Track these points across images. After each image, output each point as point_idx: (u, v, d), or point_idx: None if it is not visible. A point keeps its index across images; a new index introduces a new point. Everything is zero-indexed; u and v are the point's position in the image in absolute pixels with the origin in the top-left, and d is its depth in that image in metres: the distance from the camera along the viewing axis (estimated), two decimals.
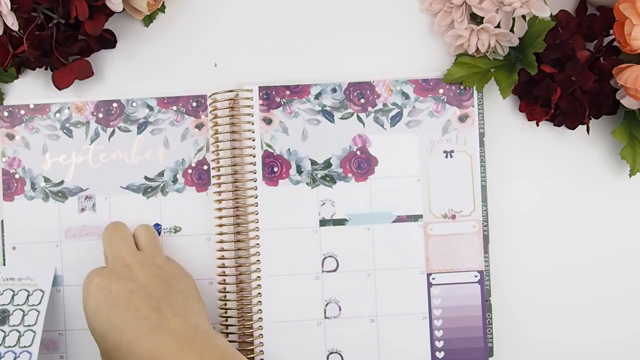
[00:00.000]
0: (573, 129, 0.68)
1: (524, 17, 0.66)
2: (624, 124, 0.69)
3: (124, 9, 0.65)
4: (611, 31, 0.66)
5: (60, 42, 0.67)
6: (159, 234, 0.70)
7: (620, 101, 0.67)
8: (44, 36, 0.66)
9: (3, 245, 0.70)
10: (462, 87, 0.69)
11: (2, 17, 0.63)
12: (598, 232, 0.71)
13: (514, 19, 0.66)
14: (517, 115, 0.71)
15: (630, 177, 0.70)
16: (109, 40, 0.70)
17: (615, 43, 0.67)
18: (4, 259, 0.70)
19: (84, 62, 0.68)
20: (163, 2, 0.69)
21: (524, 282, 0.71)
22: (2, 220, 0.70)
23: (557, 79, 0.66)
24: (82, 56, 0.69)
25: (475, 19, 0.68)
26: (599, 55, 0.68)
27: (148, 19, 0.70)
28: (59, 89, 0.68)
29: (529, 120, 0.70)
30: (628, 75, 0.64)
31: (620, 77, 0.65)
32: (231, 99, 0.69)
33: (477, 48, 0.67)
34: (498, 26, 0.66)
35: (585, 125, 0.68)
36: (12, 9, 0.62)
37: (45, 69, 0.69)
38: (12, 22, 0.62)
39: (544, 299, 0.71)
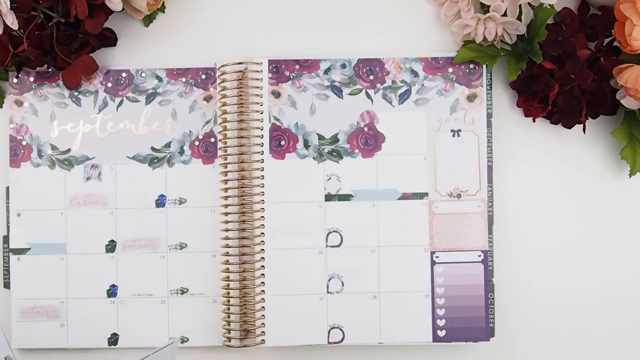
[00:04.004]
0: (569, 127, 0.69)
1: (530, 4, 0.66)
2: (624, 124, 0.69)
3: (123, 9, 0.66)
4: (612, 31, 0.66)
5: (60, 41, 0.67)
6: (164, 205, 0.70)
7: (621, 101, 0.67)
8: (44, 35, 0.66)
9: (8, 211, 0.70)
10: (471, 67, 0.69)
11: (1, 16, 0.63)
12: (598, 227, 0.72)
13: (520, 6, 0.66)
14: (517, 111, 0.71)
15: (630, 177, 0.70)
16: (109, 38, 0.70)
17: (615, 43, 0.67)
18: (8, 226, 0.70)
19: (88, 58, 0.68)
20: (163, 2, 0.69)
21: (527, 264, 0.71)
22: (8, 187, 0.70)
23: (556, 76, 0.66)
24: (82, 52, 0.68)
25: (482, 8, 0.68)
26: (599, 55, 0.68)
27: (148, 19, 0.70)
28: (70, 89, 0.69)
29: (525, 116, 0.70)
30: (628, 76, 0.64)
31: (621, 77, 0.65)
32: (240, 72, 0.69)
33: (485, 37, 0.67)
34: (505, 15, 0.66)
35: (582, 125, 0.68)
36: (11, 8, 0.62)
37: (48, 68, 0.69)
38: (12, 21, 0.63)
39: (546, 281, 0.71)
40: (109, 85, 0.70)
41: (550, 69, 0.66)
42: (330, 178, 0.69)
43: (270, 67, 0.69)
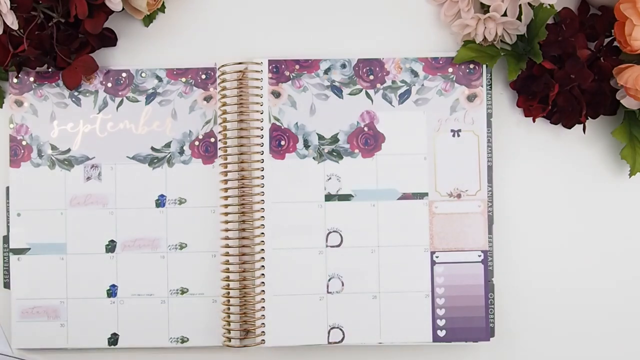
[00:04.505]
0: (569, 127, 0.69)
1: (530, 4, 0.66)
2: (624, 124, 0.69)
3: (123, 9, 0.66)
4: (612, 31, 0.66)
5: (60, 41, 0.67)
6: (164, 205, 0.70)
7: (621, 101, 0.67)
8: (44, 35, 0.66)
9: (8, 211, 0.70)
10: (471, 67, 0.69)
11: (1, 16, 0.63)
12: (598, 227, 0.72)
13: (520, 6, 0.66)
14: (517, 111, 0.71)
15: (630, 177, 0.70)
16: (109, 38, 0.70)
17: (615, 43, 0.67)
18: (8, 226, 0.70)
19: (88, 58, 0.68)
20: (163, 2, 0.69)
21: (527, 264, 0.71)
22: (8, 187, 0.70)
23: (556, 76, 0.66)
24: (82, 52, 0.68)
25: (482, 8, 0.68)
26: (599, 55, 0.68)
27: (148, 19, 0.70)
28: (70, 89, 0.69)
29: (525, 116, 0.70)
30: (628, 76, 0.64)
31: (621, 77, 0.65)
32: (240, 72, 0.69)
33: (485, 37, 0.67)
34: (505, 15, 0.66)
35: (582, 125, 0.68)
36: (11, 8, 0.62)
37: (47, 67, 0.69)
38: (12, 21, 0.63)
39: (546, 281, 0.71)
40: (109, 85, 0.70)
41: (550, 69, 0.66)
42: (330, 178, 0.69)
43: (270, 67, 0.69)
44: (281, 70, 0.69)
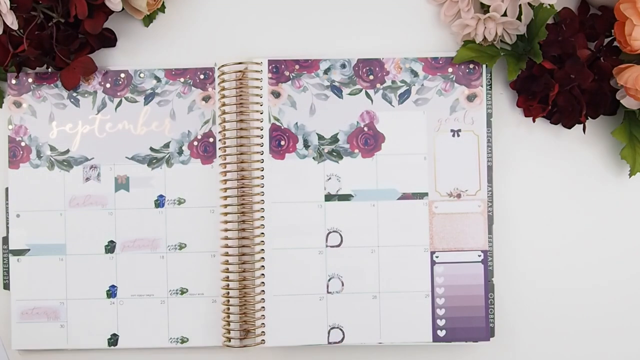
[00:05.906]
0: (569, 127, 0.69)
1: (530, 4, 0.66)
2: (624, 124, 0.69)
3: (123, 9, 0.66)
4: (612, 31, 0.66)
5: (60, 41, 0.67)
6: (163, 205, 0.70)
7: (620, 101, 0.67)
8: (44, 35, 0.66)
9: (7, 212, 0.70)
10: (471, 67, 0.69)
11: (1, 16, 0.63)
12: (598, 227, 0.72)
13: (520, 6, 0.66)
14: (517, 111, 0.71)
15: (630, 177, 0.70)
16: (109, 39, 0.70)
17: (615, 43, 0.67)
18: (7, 227, 0.70)
19: (86, 59, 0.68)
20: (163, 2, 0.69)
21: (527, 264, 0.71)
22: (7, 188, 0.70)
23: (556, 76, 0.66)
24: (82, 52, 0.68)
25: (482, 8, 0.68)
26: (599, 55, 0.68)
27: (148, 19, 0.70)
28: (68, 90, 0.69)
29: (525, 116, 0.70)
30: (628, 76, 0.64)
31: (621, 77, 0.65)
32: (240, 72, 0.69)
33: (485, 37, 0.67)
34: (505, 15, 0.66)
35: (582, 125, 0.68)
36: (11, 8, 0.62)
37: (47, 67, 0.69)
38: (12, 22, 0.62)
39: (546, 281, 0.71)
40: (108, 85, 0.70)
41: (550, 69, 0.66)
42: (330, 178, 0.69)
43: (270, 67, 0.69)
44: (281, 70, 0.69)
